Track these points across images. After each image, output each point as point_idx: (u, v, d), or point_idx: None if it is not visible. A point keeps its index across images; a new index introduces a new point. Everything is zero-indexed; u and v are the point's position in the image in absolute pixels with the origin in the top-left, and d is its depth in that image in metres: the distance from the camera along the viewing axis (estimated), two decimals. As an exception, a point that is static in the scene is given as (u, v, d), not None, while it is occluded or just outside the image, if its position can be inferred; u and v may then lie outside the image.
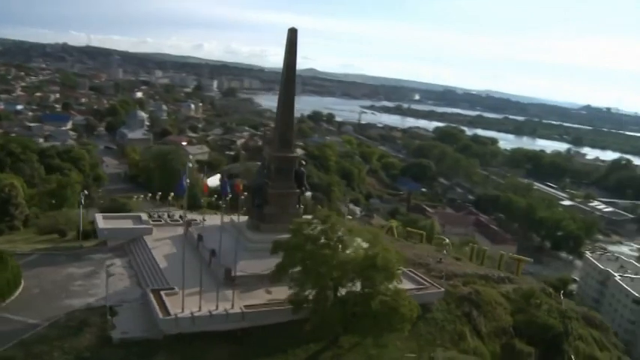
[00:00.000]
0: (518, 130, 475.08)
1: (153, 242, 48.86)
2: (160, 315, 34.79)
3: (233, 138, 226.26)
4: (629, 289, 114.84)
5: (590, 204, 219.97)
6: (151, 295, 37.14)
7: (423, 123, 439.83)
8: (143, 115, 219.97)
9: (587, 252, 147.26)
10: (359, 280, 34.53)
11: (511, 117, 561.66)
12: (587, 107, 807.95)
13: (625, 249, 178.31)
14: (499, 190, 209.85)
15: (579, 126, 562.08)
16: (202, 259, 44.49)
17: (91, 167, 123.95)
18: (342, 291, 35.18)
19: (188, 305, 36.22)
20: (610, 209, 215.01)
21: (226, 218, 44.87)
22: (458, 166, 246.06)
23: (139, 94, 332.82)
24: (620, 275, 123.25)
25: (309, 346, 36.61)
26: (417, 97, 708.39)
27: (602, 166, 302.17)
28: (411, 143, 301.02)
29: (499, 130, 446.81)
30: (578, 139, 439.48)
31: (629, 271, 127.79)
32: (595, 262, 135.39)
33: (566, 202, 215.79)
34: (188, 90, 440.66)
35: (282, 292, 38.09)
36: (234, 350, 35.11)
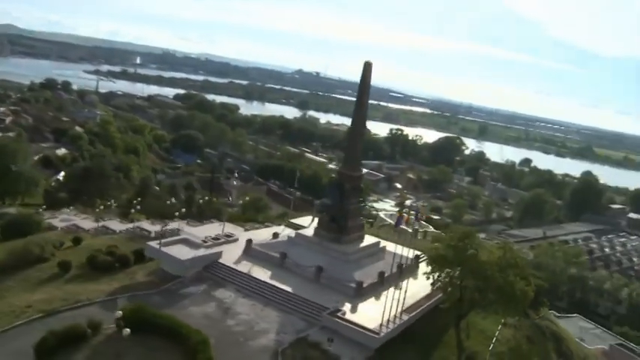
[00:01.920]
0: (248, 95, 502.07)
1: (236, 265, 48.78)
2: (371, 334, 39.13)
3: None
4: None
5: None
6: (341, 319, 40.51)
7: (155, 89, 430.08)
8: None
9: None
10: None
11: (236, 81, 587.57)
12: (300, 72, 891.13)
13: (386, 205, 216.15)
14: (274, 159, 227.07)
15: (298, 90, 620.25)
16: (299, 275, 47.89)
17: None
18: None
19: (369, 317, 41.14)
20: (364, 170, 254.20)
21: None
22: (224, 136, 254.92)
23: None
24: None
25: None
26: (138, 60, 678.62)
27: (340, 130, 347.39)
28: (165, 113, 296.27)
29: (229, 96, 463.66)
30: (303, 103, 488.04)
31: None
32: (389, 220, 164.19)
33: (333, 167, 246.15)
34: None
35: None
36: (414, 347, 41.96)
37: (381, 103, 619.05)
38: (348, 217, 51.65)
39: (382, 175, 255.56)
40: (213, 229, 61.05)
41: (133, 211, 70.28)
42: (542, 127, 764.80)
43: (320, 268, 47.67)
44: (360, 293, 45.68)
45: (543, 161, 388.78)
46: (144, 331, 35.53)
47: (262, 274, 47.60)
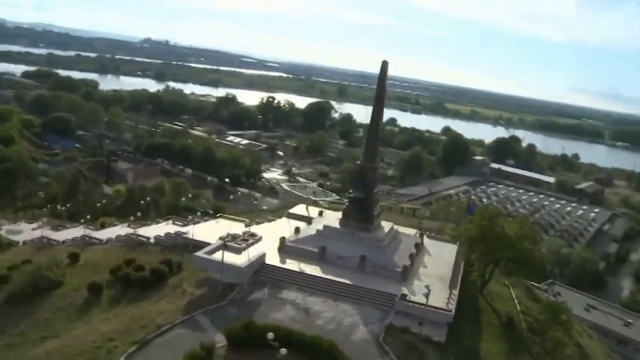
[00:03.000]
0: (101, 68, 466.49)
1: (283, 264, 50.05)
2: (443, 311, 44.09)
3: None
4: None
5: (228, 138, 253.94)
6: (414, 303, 44.60)
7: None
8: None
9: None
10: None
11: (83, 54, 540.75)
12: (148, 40, 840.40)
13: (274, 174, 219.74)
14: (157, 137, 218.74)
15: (150, 60, 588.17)
16: (342, 267, 50.95)
17: None
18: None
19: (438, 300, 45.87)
20: (246, 141, 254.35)
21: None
22: (96, 116, 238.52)
23: None
24: (321, 200, 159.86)
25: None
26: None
27: (208, 101, 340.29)
28: (23, 94, 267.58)
29: (81, 70, 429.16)
30: (160, 75, 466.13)
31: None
32: (294, 191, 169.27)
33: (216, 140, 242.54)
34: None
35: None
36: (464, 316, 47.60)
37: (237, 70, 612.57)
38: (372, 206, 55.10)
39: (264, 145, 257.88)
40: (165, 228, 62.06)
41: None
42: (394, 86, 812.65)
43: (363, 257, 50.89)
44: (406, 277, 49.84)
45: (404, 119, 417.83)
46: (255, 345, 36.45)
47: (311, 269, 49.57)
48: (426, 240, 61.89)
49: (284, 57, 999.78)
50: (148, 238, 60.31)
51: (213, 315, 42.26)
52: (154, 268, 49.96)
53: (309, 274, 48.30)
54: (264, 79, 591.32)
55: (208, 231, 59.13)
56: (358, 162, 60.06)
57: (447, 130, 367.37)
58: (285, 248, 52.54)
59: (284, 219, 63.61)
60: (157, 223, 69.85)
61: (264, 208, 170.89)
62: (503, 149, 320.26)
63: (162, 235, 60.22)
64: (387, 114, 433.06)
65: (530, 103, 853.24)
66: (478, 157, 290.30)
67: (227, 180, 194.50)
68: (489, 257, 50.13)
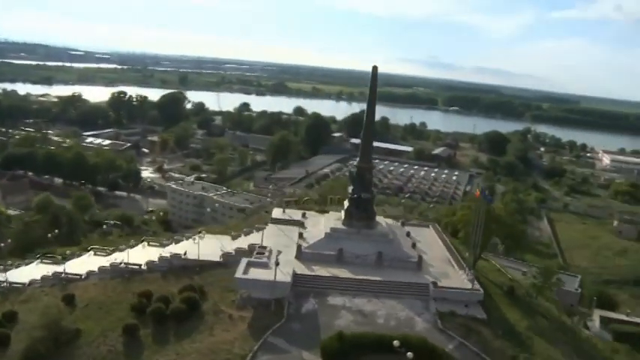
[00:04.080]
0: None
1: (312, 272, 51.46)
2: (475, 291, 49.61)
3: None
4: (230, 202, 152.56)
5: (87, 140, 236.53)
6: (449, 288, 49.44)
7: None
8: None
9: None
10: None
11: None
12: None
13: (147, 172, 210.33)
14: (13, 147, 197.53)
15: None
16: (361, 265, 54.26)
17: None
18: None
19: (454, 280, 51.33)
20: (108, 141, 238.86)
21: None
22: None
23: None
24: (215, 194, 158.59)
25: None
26: None
27: (49, 101, 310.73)
28: None
29: None
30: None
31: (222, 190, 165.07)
32: (184, 189, 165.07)
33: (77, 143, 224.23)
34: None
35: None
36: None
37: (67, 64, 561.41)
38: (373, 204, 58.37)
39: (128, 144, 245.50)
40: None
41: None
42: (231, 69, 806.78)
43: (380, 253, 54.33)
44: (421, 266, 54.40)
45: (254, 102, 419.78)
46: (348, 356, 38.66)
47: (339, 272, 51.80)
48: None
49: (113, 47, 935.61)
50: (140, 265, 57.26)
51: (283, 334, 42.89)
52: (184, 297, 48.29)
53: (343, 278, 50.45)
54: (99, 73, 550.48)
55: (204, 248, 57.86)
56: (355, 163, 62.41)
57: (299, 111, 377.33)
58: (303, 255, 53.81)
59: (271, 226, 63.93)
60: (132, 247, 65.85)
61: (150, 209, 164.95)
62: (358, 124, 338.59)
63: (156, 260, 57.56)
64: (235, 98, 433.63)
65: (363, 75, 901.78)
66: (336, 134, 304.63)
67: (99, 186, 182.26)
68: (487, 237, 56.64)
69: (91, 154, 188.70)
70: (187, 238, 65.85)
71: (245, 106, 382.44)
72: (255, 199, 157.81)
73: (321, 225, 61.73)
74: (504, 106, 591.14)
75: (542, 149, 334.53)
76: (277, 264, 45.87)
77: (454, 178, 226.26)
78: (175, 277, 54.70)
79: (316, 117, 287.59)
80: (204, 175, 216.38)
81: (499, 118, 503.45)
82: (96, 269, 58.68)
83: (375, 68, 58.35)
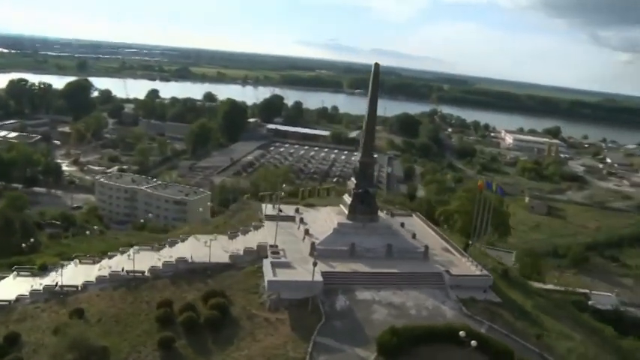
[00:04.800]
0: None
1: (332, 268, 52.47)
2: (486, 277, 53.26)
3: None
4: (165, 194, 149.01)
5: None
6: (463, 276, 52.68)
7: None
8: None
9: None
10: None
11: None
12: None
13: (63, 165, 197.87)
14: None
15: None
16: (372, 258, 56.26)
17: None
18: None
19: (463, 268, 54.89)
20: (14, 134, 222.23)
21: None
22: None
23: None
24: (147, 187, 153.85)
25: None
26: None
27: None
28: None
29: None
30: None
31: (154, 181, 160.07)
32: (114, 183, 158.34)
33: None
34: None
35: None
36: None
37: None
38: (375, 198, 60.11)
39: (37, 136, 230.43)
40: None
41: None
42: (129, 54, 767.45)
43: (390, 245, 56.45)
44: (427, 256, 57.22)
45: (161, 88, 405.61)
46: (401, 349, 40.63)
47: (358, 267, 53.34)
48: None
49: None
50: (143, 272, 55.27)
51: (328, 333, 43.64)
52: (214, 304, 47.58)
53: (364, 272, 52.08)
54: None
55: (202, 249, 56.91)
56: (357, 159, 63.40)
57: (209, 96, 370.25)
58: (317, 252, 54.57)
59: (268, 223, 63.63)
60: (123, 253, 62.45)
61: (76, 205, 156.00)
62: (270, 109, 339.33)
63: (159, 265, 55.82)
64: (141, 85, 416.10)
65: (266, 59, 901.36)
66: (251, 120, 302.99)
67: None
68: (479, 224, 60.62)
69: (2, 148, 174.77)
70: (171, 245, 63.73)
71: (154, 92, 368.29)
72: (190, 190, 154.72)
73: (320, 220, 62.65)
74: (407, 87, 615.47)
75: (449, 130, 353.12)
76: (315, 264, 46.40)
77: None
78: (187, 283, 53.48)
79: (232, 103, 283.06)
80: (125, 167, 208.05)
81: (402, 99, 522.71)
82: (92, 279, 55.99)
83: (377, 65, 59.58)
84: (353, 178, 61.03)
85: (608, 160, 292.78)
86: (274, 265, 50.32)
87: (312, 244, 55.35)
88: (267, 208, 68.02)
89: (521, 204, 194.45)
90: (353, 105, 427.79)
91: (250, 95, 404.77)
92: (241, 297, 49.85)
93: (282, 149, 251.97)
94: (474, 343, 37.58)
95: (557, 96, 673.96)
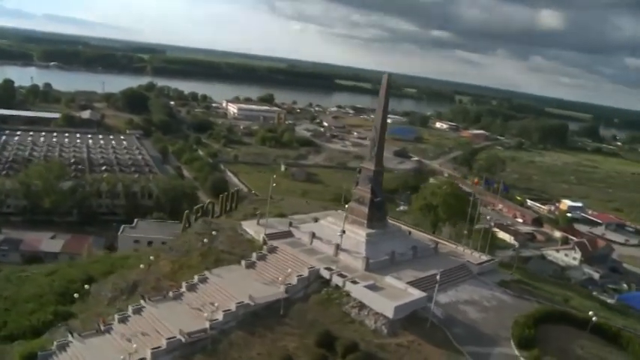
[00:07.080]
0: None
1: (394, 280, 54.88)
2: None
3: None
4: None
5: None
6: (480, 264, 61.96)
7: None
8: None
9: None
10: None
11: None
12: None
13: None
14: None
15: None
16: (402, 261, 61.00)
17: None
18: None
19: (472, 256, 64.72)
20: None
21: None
22: None
23: None
24: None
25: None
26: None
27: None
28: None
29: None
30: None
31: None
32: None
33: None
34: None
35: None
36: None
37: None
38: (385, 204, 63.00)
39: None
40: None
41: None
42: None
43: (415, 247, 61.50)
44: (437, 251, 64.45)
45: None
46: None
47: (412, 273, 56.92)
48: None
49: None
50: (205, 330, 47.12)
51: (460, 342, 47.36)
52: (347, 346, 45.44)
53: (424, 277, 55.99)
54: None
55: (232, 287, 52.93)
56: (364, 166, 63.30)
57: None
58: (371, 266, 55.96)
59: (282, 244, 59.95)
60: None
61: None
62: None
63: (219, 317, 48.32)
64: None
65: None
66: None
67: None
68: (452, 214, 70.41)
69: None
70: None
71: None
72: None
73: (332, 232, 61.56)
74: (106, 59, 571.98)
75: (172, 103, 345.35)
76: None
77: (125, 143, 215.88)
78: (267, 331, 48.02)
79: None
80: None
81: (101, 71, 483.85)
82: (146, 356, 44.02)
83: (388, 76, 60.67)
84: (362, 187, 62.47)
85: (325, 124, 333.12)
86: (370, 288, 50.51)
87: (366, 259, 56.19)
88: (256, 228, 63.78)
89: (279, 173, 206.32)
90: (59, 80, 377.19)
91: None
92: (344, 330, 48.32)
93: (17, 137, 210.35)
94: (595, 318, 47.84)
95: (250, 63, 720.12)
